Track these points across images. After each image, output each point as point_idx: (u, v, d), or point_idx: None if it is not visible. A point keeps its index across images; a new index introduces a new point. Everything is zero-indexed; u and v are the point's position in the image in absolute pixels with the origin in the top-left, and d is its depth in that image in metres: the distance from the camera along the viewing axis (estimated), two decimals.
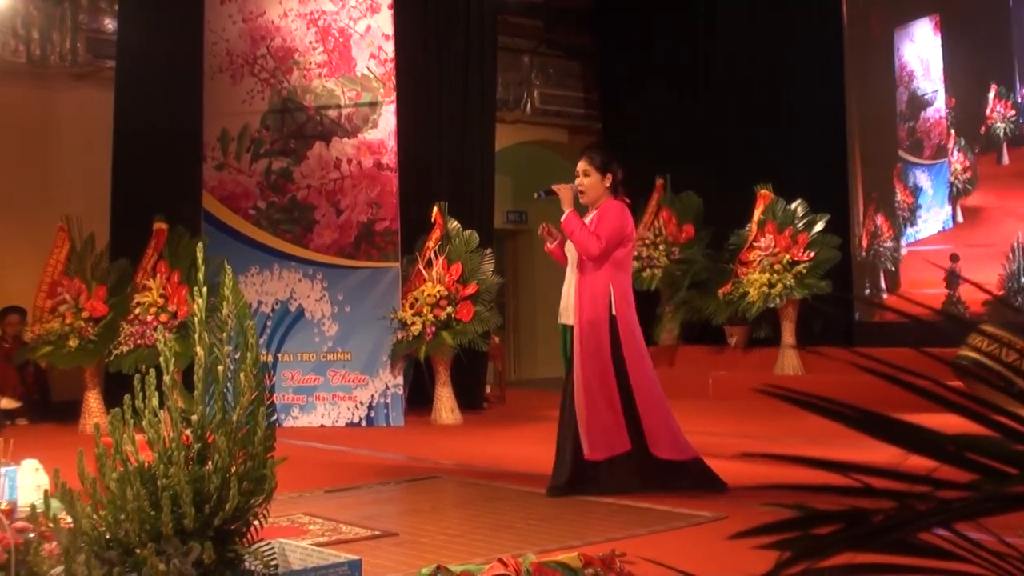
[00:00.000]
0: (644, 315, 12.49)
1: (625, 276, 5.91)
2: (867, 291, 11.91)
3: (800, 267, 10.89)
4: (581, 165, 5.92)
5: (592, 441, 5.75)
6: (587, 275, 5.79)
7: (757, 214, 11.40)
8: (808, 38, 12.31)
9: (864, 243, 11.99)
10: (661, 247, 12.31)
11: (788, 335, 11.07)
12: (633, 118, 14.17)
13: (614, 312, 5.74)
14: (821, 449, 7.16)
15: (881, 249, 11.92)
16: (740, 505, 5.48)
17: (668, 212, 12.47)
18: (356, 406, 9.58)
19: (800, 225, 11.12)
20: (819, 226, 11.08)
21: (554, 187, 5.96)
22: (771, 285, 10.89)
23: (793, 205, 11.26)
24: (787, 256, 10.94)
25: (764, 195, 11.42)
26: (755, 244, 11.24)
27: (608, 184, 5.87)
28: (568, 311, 5.88)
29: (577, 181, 5.90)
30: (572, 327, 5.85)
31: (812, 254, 10.91)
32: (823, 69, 12.15)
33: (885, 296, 11.78)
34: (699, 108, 13.27)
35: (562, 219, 5.84)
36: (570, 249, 5.92)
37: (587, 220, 5.85)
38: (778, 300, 10.87)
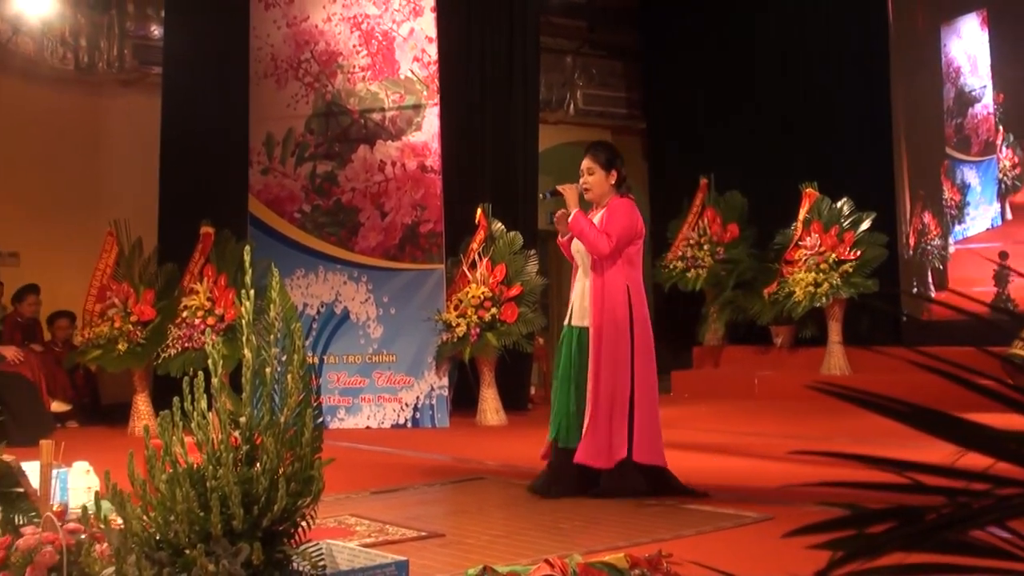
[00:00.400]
0: (689, 315, 12.70)
1: (638, 273, 5.82)
2: (915, 289, 11.79)
3: (846, 266, 10.80)
4: (585, 163, 5.85)
5: (597, 450, 5.65)
6: (601, 275, 5.70)
7: (803, 213, 11.32)
8: (853, 35, 12.20)
9: (911, 241, 11.87)
10: (706, 247, 12.26)
11: (835, 334, 10.98)
12: (677, 117, 14.14)
13: (633, 313, 5.68)
14: (870, 448, 7.08)
15: (928, 247, 11.80)
16: (786, 505, 5.44)
17: (712, 212, 12.42)
18: (401, 407, 9.61)
19: (846, 224, 11.03)
20: (865, 224, 10.99)
21: (559, 187, 5.91)
22: (817, 284, 10.81)
23: (839, 203, 11.17)
24: (833, 255, 10.86)
25: (809, 194, 11.34)
26: (801, 243, 11.16)
27: (613, 181, 5.81)
28: (583, 312, 5.79)
29: (582, 180, 5.85)
30: (584, 329, 5.76)
31: (858, 253, 10.82)
32: (868, 66, 12.04)
33: (933, 294, 11.66)
34: (743, 107, 13.21)
35: (569, 219, 5.75)
36: (579, 250, 5.86)
37: (595, 219, 5.77)
38: (824, 299, 10.78)
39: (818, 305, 10.85)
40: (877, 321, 11.63)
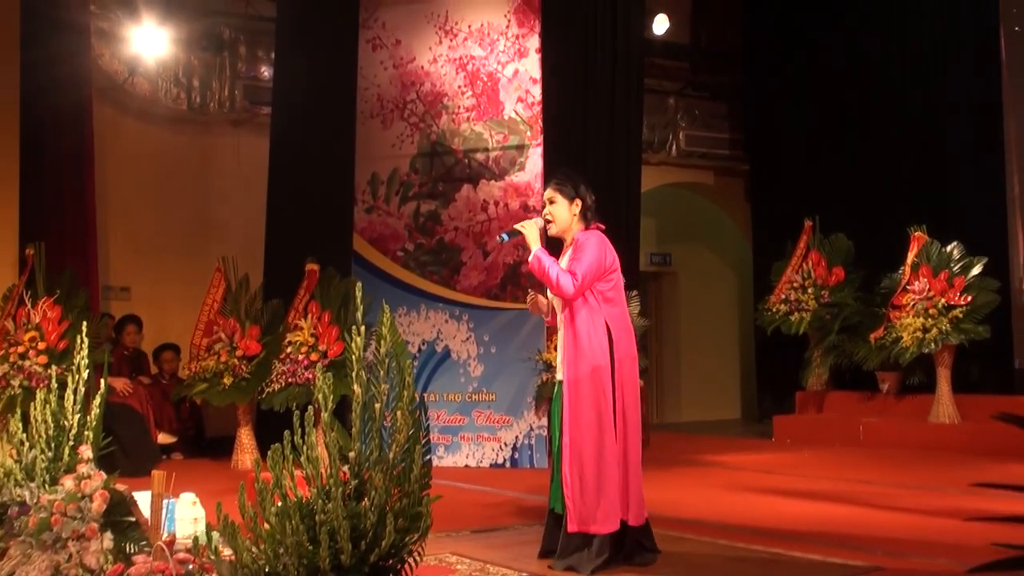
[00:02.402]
0: (792, 359, 12.51)
1: (619, 309, 5.27)
2: None
3: (956, 311, 10.54)
4: (548, 193, 5.38)
5: (581, 515, 5.07)
6: (574, 320, 5.17)
7: (911, 256, 11.08)
8: (963, 74, 11.97)
9: None
10: (810, 290, 12.08)
11: (944, 381, 10.71)
12: (780, 158, 14.02)
13: (615, 353, 5.14)
14: (982, 500, 6.90)
15: None
16: (892, 556, 5.32)
17: (817, 254, 12.24)
18: (500, 447, 9.61)
19: (956, 268, 10.77)
20: (976, 269, 10.72)
21: (516, 226, 5.42)
22: (926, 330, 10.56)
23: (949, 247, 10.91)
24: (942, 300, 10.61)
25: (918, 237, 11.10)
26: (909, 288, 10.92)
27: (578, 211, 5.32)
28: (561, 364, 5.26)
29: (545, 211, 5.38)
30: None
31: (969, 298, 10.56)
32: (979, 107, 11.80)
33: None
34: (849, 148, 13.04)
35: (529, 259, 5.32)
36: (552, 296, 5.40)
37: (564, 258, 5.32)
38: (933, 345, 10.53)
39: (926, 351, 10.60)
40: (988, 368, 11.33)
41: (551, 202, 5.36)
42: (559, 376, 5.27)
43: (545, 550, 5.31)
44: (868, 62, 12.94)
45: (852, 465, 9.41)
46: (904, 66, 12.52)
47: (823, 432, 11.45)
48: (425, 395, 9.76)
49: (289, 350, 9.42)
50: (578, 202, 5.34)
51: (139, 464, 8.35)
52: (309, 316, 9.52)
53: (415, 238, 10.05)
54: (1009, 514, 1.20)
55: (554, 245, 5.58)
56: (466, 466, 9.57)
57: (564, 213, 5.35)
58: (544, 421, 9.57)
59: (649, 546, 5.25)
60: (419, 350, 9.83)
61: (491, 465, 9.57)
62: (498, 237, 5.73)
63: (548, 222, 5.38)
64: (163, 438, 10.16)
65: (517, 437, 9.58)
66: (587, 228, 5.35)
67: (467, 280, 9.90)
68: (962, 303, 10.54)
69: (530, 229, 5.35)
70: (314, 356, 9.30)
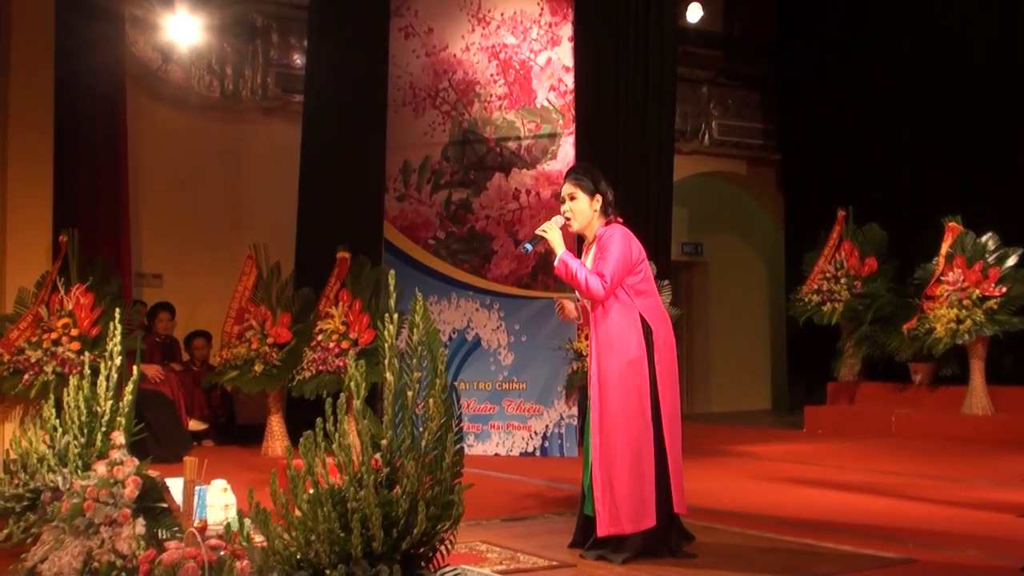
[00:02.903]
0: (824, 350, 12.44)
1: (653, 300, 5.20)
2: None
3: (991, 303, 10.45)
4: (567, 189, 5.28)
5: (612, 515, 4.98)
6: (607, 316, 5.11)
7: (945, 247, 10.98)
8: (994, 64, 11.86)
9: None
10: (843, 280, 12.00)
11: (977, 373, 10.62)
12: (813, 148, 13.93)
13: (654, 342, 5.07)
14: (1012, 493, 6.84)
15: None
16: (926, 547, 5.28)
17: (850, 245, 12.15)
18: (531, 436, 9.60)
19: (991, 259, 10.68)
20: (1012, 260, 10.62)
21: (538, 231, 5.27)
22: (959, 321, 10.48)
23: (984, 238, 10.82)
24: (977, 291, 10.51)
25: (952, 227, 11.01)
26: (943, 278, 10.83)
27: (598, 207, 5.24)
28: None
29: (564, 208, 5.28)
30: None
31: (1004, 289, 10.46)
32: (1012, 97, 11.68)
33: None
34: (883, 138, 12.94)
35: (555, 264, 5.23)
36: (582, 296, 5.32)
37: (587, 256, 5.28)
38: (967, 337, 10.44)
39: (960, 343, 10.51)
40: (1022, 360, 11.22)
41: (571, 198, 5.27)
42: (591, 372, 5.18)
43: (575, 541, 5.30)
44: (902, 52, 12.83)
45: (884, 456, 9.35)
46: (938, 56, 12.41)
47: (855, 423, 11.39)
48: (455, 384, 9.77)
49: (320, 338, 9.43)
50: (599, 197, 5.26)
51: (171, 450, 8.40)
52: (340, 304, 9.54)
53: (446, 226, 10.05)
54: None
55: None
56: (496, 455, 9.57)
57: (585, 209, 5.26)
58: (574, 411, 9.56)
59: (687, 535, 5.24)
60: (449, 339, 9.83)
61: (521, 454, 9.57)
62: (522, 247, 5.65)
63: (568, 219, 5.29)
64: (194, 425, 10.21)
65: (547, 426, 9.57)
66: (608, 223, 5.28)
67: (498, 269, 9.89)
68: (996, 294, 10.46)
69: (553, 232, 5.24)
70: (345, 344, 9.31)
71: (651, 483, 5.01)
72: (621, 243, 5.14)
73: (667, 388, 5.12)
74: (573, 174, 5.37)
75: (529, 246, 5.43)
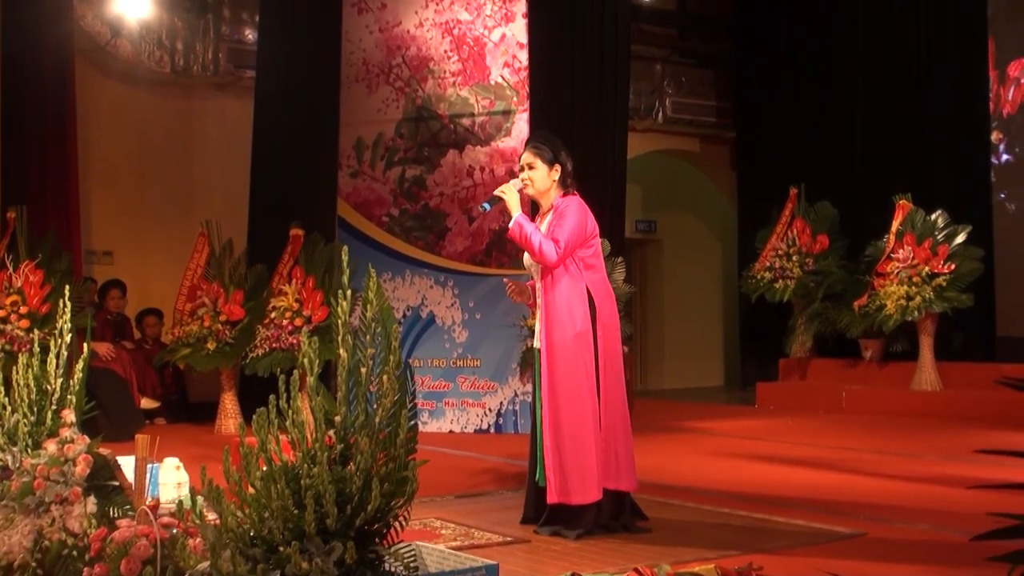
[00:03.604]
0: (776, 327, 12.54)
1: (600, 275, 5.23)
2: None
3: (940, 280, 10.57)
4: (525, 158, 5.27)
5: (561, 484, 5.03)
6: (555, 287, 5.13)
7: (895, 225, 11.08)
8: (949, 42, 11.97)
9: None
10: (794, 258, 12.09)
11: (926, 349, 10.75)
12: (766, 127, 13.99)
13: (597, 317, 5.10)
14: (961, 467, 6.94)
15: None
16: (878, 521, 5.35)
17: (802, 222, 12.24)
18: (485, 413, 9.62)
19: (940, 236, 10.79)
20: (961, 238, 10.74)
21: (496, 192, 5.31)
22: (909, 298, 10.59)
23: (933, 216, 10.93)
24: (926, 268, 10.63)
25: (903, 205, 11.11)
26: (893, 256, 10.93)
27: (556, 177, 5.23)
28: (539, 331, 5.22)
29: (522, 175, 5.26)
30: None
31: (953, 266, 10.58)
32: (965, 75, 11.81)
33: None
34: (835, 117, 13.02)
35: (510, 225, 5.23)
36: (529, 263, 5.35)
37: (543, 224, 5.25)
38: (916, 313, 10.56)
39: (910, 319, 10.63)
40: (970, 337, 11.38)
41: (530, 167, 5.26)
42: (536, 344, 5.24)
43: (527, 517, 5.32)
44: (856, 31, 12.89)
45: (835, 432, 9.46)
46: (892, 35, 12.49)
47: (806, 399, 11.50)
48: (410, 361, 9.74)
49: (273, 315, 9.39)
50: (557, 167, 5.25)
51: (122, 429, 8.31)
52: (293, 281, 9.49)
53: (400, 203, 10.02)
54: (1003, 482, 1.19)
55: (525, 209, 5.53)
56: (451, 432, 9.58)
57: (543, 178, 5.26)
58: (529, 387, 9.57)
59: (639, 513, 5.28)
60: (404, 316, 9.82)
61: (475, 431, 9.59)
62: (479, 207, 5.67)
63: (526, 186, 5.28)
64: (146, 403, 10.13)
65: (501, 403, 9.60)
66: (565, 194, 5.28)
67: (452, 246, 9.87)
68: (946, 271, 10.58)
69: (511, 194, 5.24)
70: (298, 321, 9.27)
71: (595, 456, 5.03)
72: (577, 214, 5.16)
73: (607, 365, 5.14)
74: (533, 142, 5.37)
75: (487, 205, 5.47)
